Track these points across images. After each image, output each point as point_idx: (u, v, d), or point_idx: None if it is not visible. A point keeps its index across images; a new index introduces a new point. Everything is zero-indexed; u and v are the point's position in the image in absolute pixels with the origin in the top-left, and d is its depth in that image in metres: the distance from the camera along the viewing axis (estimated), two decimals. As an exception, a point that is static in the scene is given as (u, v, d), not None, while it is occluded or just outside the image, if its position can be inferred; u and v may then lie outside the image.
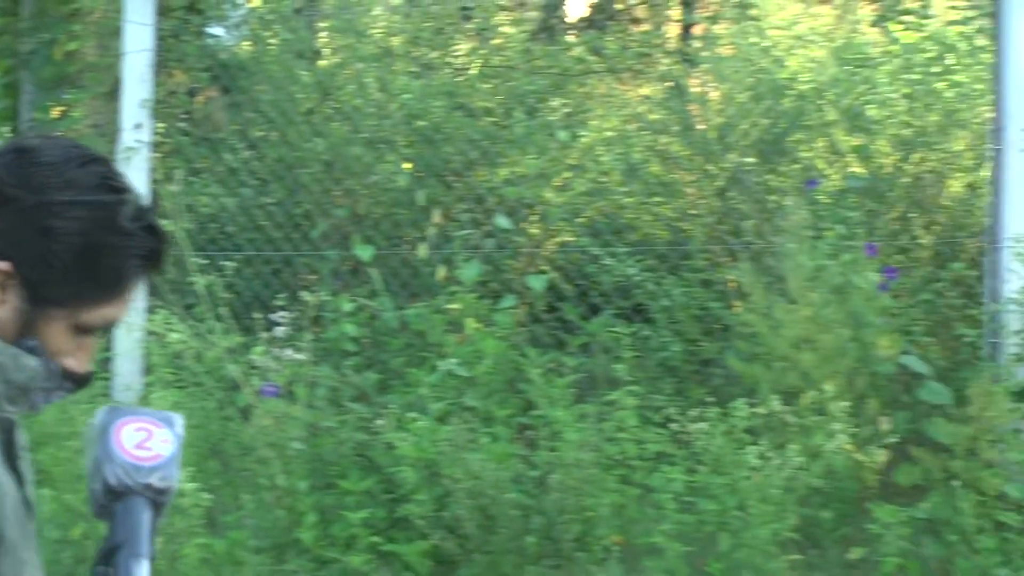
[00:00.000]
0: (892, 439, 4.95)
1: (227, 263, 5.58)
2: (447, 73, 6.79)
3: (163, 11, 6.05)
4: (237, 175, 6.36)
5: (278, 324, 5.19)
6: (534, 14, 7.70)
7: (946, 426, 4.88)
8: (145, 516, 1.20)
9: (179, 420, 1.30)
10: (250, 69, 6.77)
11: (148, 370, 5.53)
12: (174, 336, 5.07)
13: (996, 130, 5.51)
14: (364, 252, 5.69)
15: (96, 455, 1.22)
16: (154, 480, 1.18)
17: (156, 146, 6.06)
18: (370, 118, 6.29)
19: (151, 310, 5.32)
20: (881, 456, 4.93)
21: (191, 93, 6.81)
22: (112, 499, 1.19)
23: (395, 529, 4.79)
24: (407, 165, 6.23)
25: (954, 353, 5.58)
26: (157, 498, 1.20)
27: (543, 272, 5.97)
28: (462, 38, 6.91)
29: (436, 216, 5.78)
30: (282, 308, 5.32)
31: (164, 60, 6.23)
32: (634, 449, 4.78)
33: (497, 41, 6.79)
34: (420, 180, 6.11)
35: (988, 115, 5.74)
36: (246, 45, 7.18)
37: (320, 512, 4.77)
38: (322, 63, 7.08)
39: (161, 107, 6.20)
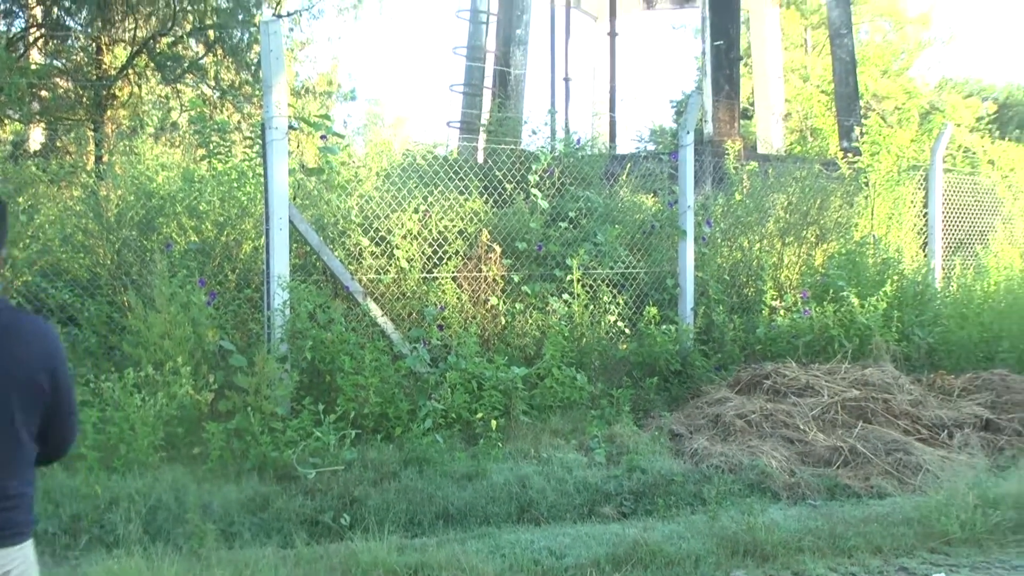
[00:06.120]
0: (215, 387, 6.05)
1: None
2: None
3: None
4: None
5: None
6: (8, 148, 7.99)
7: (244, 378, 5.99)
8: None
9: None
10: None
11: None
12: None
13: (267, 218, 6.57)
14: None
15: None
16: None
17: None
18: None
19: None
20: (209, 396, 6.01)
21: None
22: None
23: None
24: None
25: (248, 338, 6.72)
26: None
27: (14, 298, 6.35)
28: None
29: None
30: None
31: None
32: (69, 399, 5.69)
33: (-16, 162, 6.81)
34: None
35: (263, 210, 6.71)
36: None
37: None
38: None
39: None
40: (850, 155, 11.50)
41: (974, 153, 13.50)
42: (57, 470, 5.32)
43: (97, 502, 5.01)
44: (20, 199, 6.88)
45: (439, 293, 7.71)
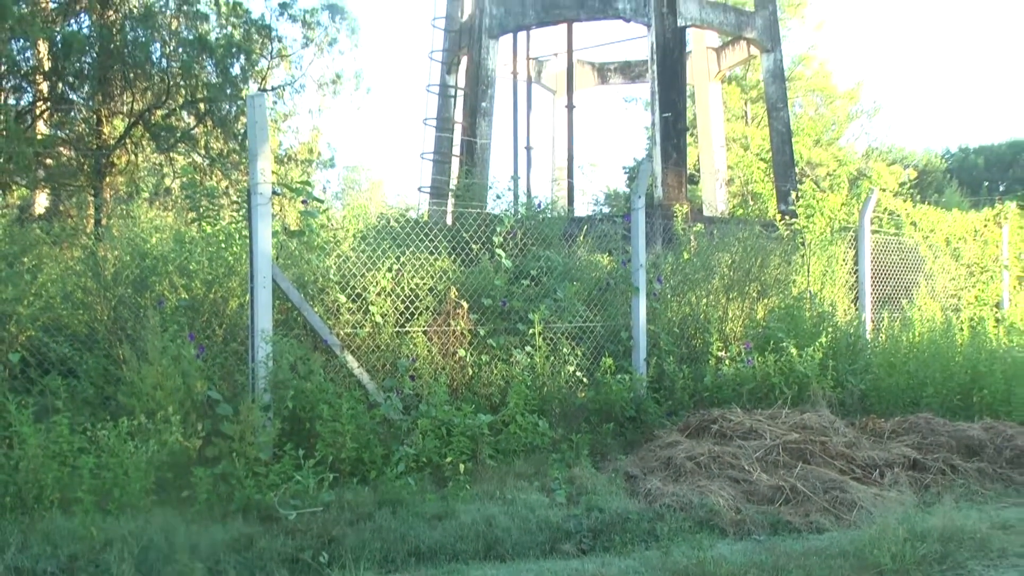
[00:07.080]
0: (203, 434, 6.02)
1: None
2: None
3: None
4: None
5: None
6: (15, 212, 7.99)
7: (230, 425, 5.98)
8: None
9: None
10: None
11: None
12: None
13: (252, 276, 6.55)
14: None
15: None
16: None
17: None
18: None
19: None
20: (198, 443, 5.98)
21: None
22: None
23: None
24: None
25: (234, 389, 6.64)
26: None
27: (18, 351, 6.40)
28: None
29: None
30: None
31: None
32: (67, 446, 5.53)
33: (-10, 227, 6.93)
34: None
35: (248, 269, 6.63)
36: None
37: None
38: None
39: None
40: (787, 217, 11.78)
41: (898, 215, 13.87)
42: (55, 513, 5.30)
43: (93, 543, 4.99)
44: (25, 259, 6.92)
45: (411, 346, 7.74)
